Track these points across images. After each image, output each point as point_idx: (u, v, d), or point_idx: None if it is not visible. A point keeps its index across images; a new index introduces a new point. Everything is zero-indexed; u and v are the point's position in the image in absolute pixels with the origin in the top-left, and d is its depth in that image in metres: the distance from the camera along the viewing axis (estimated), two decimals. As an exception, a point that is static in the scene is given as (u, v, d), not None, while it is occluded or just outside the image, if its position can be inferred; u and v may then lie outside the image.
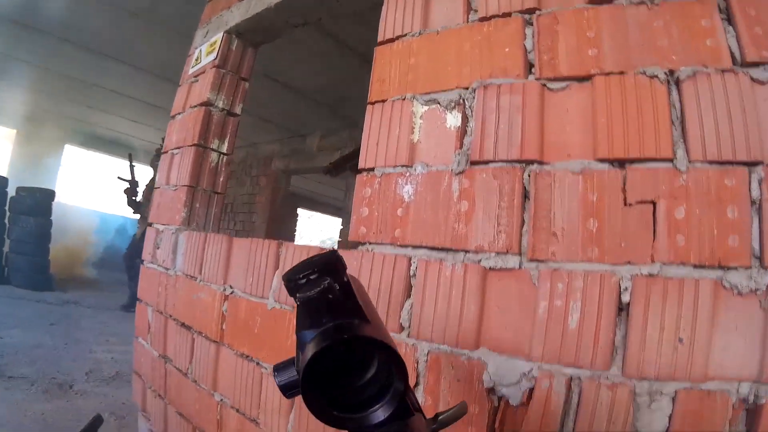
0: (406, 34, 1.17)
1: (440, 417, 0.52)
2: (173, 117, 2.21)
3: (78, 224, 8.19)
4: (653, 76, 0.83)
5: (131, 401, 2.46)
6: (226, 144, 2.03)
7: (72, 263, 7.56)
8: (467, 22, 1.08)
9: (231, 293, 1.41)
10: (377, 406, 0.40)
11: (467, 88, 1.02)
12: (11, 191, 6.28)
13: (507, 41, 1.00)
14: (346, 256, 1.11)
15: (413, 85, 1.11)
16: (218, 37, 2.08)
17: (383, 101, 1.15)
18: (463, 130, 1.00)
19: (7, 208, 6.23)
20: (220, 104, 2.00)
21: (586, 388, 0.78)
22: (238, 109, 2.08)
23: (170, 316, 1.73)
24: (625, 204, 0.81)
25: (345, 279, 0.45)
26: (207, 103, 1.95)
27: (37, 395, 2.47)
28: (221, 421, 1.38)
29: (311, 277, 0.43)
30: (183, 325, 1.63)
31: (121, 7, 3.58)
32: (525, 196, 0.89)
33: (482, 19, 1.05)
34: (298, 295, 0.42)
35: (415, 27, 1.16)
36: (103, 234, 9.02)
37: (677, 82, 0.82)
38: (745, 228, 0.73)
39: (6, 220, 6.21)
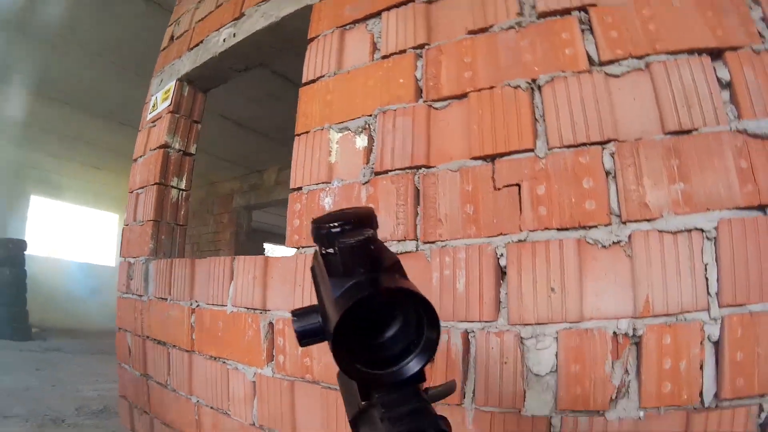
0: (324, 75, 1.36)
1: (430, 392, 0.48)
2: (135, 160, 2.33)
3: (51, 274, 7.98)
4: (516, 87, 1.03)
5: (120, 427, 2.53)
6: (184, 181, 2.17)
7: (49, 313, 7.37)
8: (372, 60, 1.28)
9: (197, 306, 1.55)
10: (410, 358, 0.38)
11: (371, 115, 1.21)
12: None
13: (401, 74, 1.20)
14: (288, 257, 1.28)
15: (329, 117, 1.29)
16: (171, 84, 2.23)
17: (307, 132, 1.33)
18: (369, 149, 1.20)
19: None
20: (177, 145, 2.15)
21: (479, 338, 0.95)
22: (192, 149, 2.22)
23: (147, 336, 1.84)
24: (495, 189, 1.00)
25: (376, 236, 0.42)
26: (165, 146, 2.09)
27: (33, 430, 2.51)
28: (199, 420, 1.50)
29: (346, 227, 0.39)
30: (159, 342, 1.75)
31: (87, 49, 3.54)
32: (417, 194, 1.09)
33: (384, 57, 1.25)
34: (338, 240, 0.38)
35: (331, 68, 1.35)
36: (78, 283, 8.77)
37: (539, 88, 1.01)
38: (601, 194, 0.89)
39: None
